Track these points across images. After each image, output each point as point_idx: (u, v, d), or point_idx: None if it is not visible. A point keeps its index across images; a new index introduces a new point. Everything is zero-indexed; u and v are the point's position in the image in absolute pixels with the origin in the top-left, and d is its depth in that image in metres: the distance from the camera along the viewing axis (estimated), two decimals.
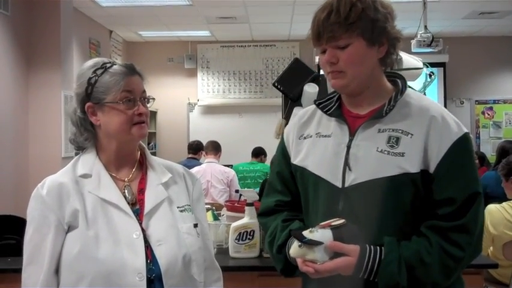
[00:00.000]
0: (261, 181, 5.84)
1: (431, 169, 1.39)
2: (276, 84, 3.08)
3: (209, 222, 2.44)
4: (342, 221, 1.37)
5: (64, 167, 1.56)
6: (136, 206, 1.52)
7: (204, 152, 5.81)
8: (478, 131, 8.55)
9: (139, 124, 1.50)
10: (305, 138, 1.57)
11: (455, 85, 8.37)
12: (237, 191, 4.81)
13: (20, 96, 5.09)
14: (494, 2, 6.42)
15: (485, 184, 4.59)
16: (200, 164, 5.78)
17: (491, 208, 3.44)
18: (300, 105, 2.93)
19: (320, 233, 1.36)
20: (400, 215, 1.41)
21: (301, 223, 1.55)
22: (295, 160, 1.57)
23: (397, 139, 1.42)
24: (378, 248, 1.37)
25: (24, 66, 5.15)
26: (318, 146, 1.53)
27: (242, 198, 3.45)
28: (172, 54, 8.65)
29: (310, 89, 2.89)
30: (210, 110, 8.65)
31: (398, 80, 1.54)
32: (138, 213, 1.50)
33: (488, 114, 8.58)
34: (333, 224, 1.37)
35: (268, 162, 6.10)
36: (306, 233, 1.37)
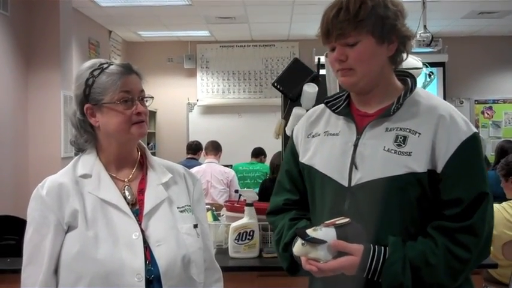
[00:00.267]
0: (261, 181, 5.83)
1: (439, 169, 1.38)
2: (275, 84, 3.08)
3: (209, 222, 2.44)
4: (346, 220, 1.37)
5: (63, 167, 1.56)
6: (136, 206, 1.52)
7: (204, 152, 5.81)
8: (477, 130, 8.54)
9: (139, 123, 1.50)
10: (313, 136, 1.57)
11: (454, 85, 8.37)
12: (236, 191, 4.80)
13: (20, 97, 5.09)
14: (494, 1, 6.42)
15: None
16: (200, 164, 5.78)
17: None
18: (300, 105, 2.93)
19: (324, 232, 1.35)
20: (405, 215, 1.39)
21: (309, 222, 1.54)
22: (303, 158, 1.57)
23: (405, 138, 1.40)
24: (382, 248, 1.36)
25: (24, 67, 5.15)
26: (326, 144, 1.52)
27: (241, 198, 3.44)
28: (172, 54, 8.64)
29: (310, 89, 2.89)
30: (210, 110, 8.64)
31: (408, 79, 1.52)
32: (138, 214, 1.50)
33: (488, 114, 8.58)
34: (337, 222, 1.36)
35: (267, 162, 6.10)
36: (309, 231, 1.37)
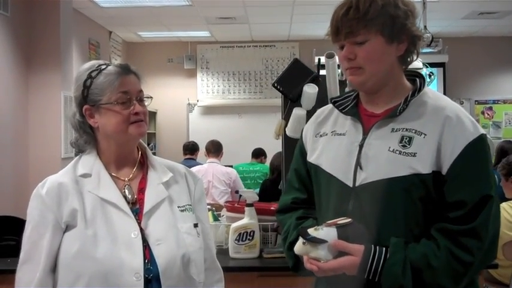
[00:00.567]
0: (261, 182, 5.83)
1: (444, 170, 1.36)
2: (275, 85, 3.07)
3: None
4: (348, 220, 1.36)
5: (64, 167, 1.56)
6: (137, 205, 1.52)
7: (205, 153, 5.80)
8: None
9: (137, 123, 1.50)
10: (321, 136, 1.57)
11: (454, 85, 8.37)
12: (236, 192, 4.80)
13: (20, 97, 5.09)
14: (493, 2, 6.42)
15: None
16: (198, 163, 5.77)
17: None
18: (300, 105, 2.93)
19: (325, 231, 1.35)
20: (409, 217, 1.38)
21: (315, 221, 1.54)
22: (311, 158, 1.57)
23: (410, 139, 1.39)
24: (384, 248, 1.35)
25: (24, 67, 5.15)
26: (333, 144, 1.52)
27: (242, 198, 3.44)
28: (172, 55, 8.64)
29: (310, 90, 2.89)
30: (210, 110, 8.64)
31: (417, 79, 1.51)
32: (138, 213, 1.50)
33: (488, 114, 8.58)
34: (339, 222, 1.36)
35: (267, 163, 6.10)
36: (311, 230, 1.36)
